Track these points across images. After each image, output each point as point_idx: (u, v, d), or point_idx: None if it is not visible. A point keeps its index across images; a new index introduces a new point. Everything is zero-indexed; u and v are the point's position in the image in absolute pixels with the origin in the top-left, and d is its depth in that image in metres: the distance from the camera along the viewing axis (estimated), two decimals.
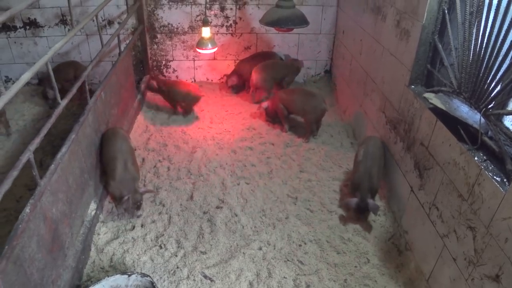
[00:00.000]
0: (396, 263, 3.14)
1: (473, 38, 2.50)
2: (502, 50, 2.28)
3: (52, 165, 2.80)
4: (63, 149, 2.97)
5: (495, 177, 2.18)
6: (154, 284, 2.68)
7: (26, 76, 2.51)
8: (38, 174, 2.58)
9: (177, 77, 5.81)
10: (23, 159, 2.43)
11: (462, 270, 2.40)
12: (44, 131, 2.72)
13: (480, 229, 2.25)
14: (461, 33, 2.62)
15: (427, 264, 2.82)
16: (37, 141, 2.61)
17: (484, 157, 2.35)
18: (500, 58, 2.30)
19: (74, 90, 3.17)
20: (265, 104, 4.88)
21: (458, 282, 2.43)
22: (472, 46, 2.52)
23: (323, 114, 4.54)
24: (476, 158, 2.33)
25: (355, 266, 3.10)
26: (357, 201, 3.38)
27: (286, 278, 3.00)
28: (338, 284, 2.95)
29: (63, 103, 3.00)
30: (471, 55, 2.53)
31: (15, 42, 5.38)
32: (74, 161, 3.15)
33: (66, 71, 5.11)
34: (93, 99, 3.55)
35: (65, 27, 5.31)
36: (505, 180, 2.16)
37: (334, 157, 4.34)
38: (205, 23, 4.61)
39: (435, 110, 2.79)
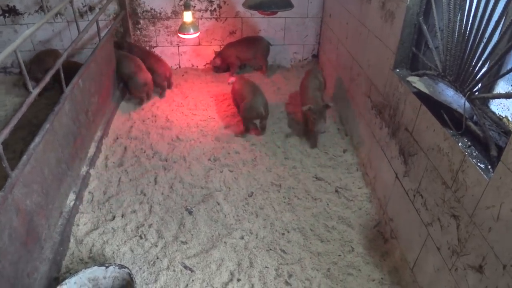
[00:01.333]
0: (381, 251, 3.09)
1: (458, 19, 2.40)
2: (487, 31, 2.18)
3: (25, 156, 2.71)
4: (36, 140, 2.87)
5: (479, 163, 2.10)
6: (131, 275, 2.63)
7: None
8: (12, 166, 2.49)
9: None
10: None
11: (446, 260, 2.34)
12: (14, 121, 2.62)
13: (464, 217, 2.19)
14: (446, 14, 2.52)
15: (412, 253, 2.77)
16: (6, 132, 2.51)
17: (469, 143, 2.27)
18: (485, 40, 2.20)
19: (47, 78, 3.06)
20: (216, 61, 5.47)
21: (442, 271, 2.38)
22: (457, 27, 2.42)
23: (269, 49, 5.35)
24: (460, 144, 2.25)
25: (339, 255, 3.05)
26: (310, 105, 3.96)
27: (268, 267, 2.94)
28: (321, 274, 2.90)
29: (35, 92, 2.88)
30: (456, 36, 2.43)
31: None
32: (50, 152, 3.05)
33: (46, 60, 4.96)
34: (70, 87, 3.43)
35: (45, 14, 5.13)
36: (489, 167, 2.08)
37: (320, 143, 4.25)
38: (187, 7, 4.47)
39: (420, 94, 2.70)
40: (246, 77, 4.85)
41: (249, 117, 4.28)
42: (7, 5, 5.09)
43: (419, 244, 2.66)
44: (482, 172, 2.04)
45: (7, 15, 5.14)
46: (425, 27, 2.81)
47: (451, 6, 2.46)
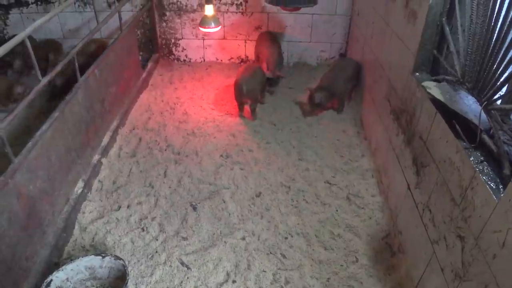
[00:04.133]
0: (387, 265, 2.91)
1: (481, 20, 2.18)
2: (510, 33, 1.96)
3: (30, 143, 2.76)
4: (44, 127, 2.92)
5: (489, 182, 1.90)
6: (125, 268, 2.63)
7: None
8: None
9: (186, 56, 5.67)
10: None
11: (449, 283, 2.15)
12: (19, 108, 2.66)
13: (469, 239, 1.99)
14: (469, 14, 2.30)
15: (417, 270, 2.58)
16: (9, 119, 2.55)
17: (481, 158, 2.06)
18: (507, 43, 1.98)
19: (58, 67, 3.10)
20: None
21: None
22: (479, 29, 2.20)
23: None
24: (472, 159, 2.05)
25: (341, 265, 2.90)
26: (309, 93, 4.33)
27: (265, 271, 2.85)
28: (320, 283, 2.77)
29: (44, 80, 2.93)
30: (477, 39, 2.21)
31: (27, 18, 5.41)
32: (59, 139, 3.10)
33: (45, 50, 5.07)
34: (84, 77, 3.47)
35: (75, 3, 5.26)
36: (500, 186, 1.88)
37: (337, 146, 4.08)
38: (208, 0, 4.41)
39: (436, 101, 2.50)
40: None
41: (234, 95, 4.39)
42: None
43: (425, 262, 2.48)
44: (491, 192, 1.84)
45: (39, 3, 5.31)
46: (447, 28, 2.59)
47: (473, 6, 2.24)
